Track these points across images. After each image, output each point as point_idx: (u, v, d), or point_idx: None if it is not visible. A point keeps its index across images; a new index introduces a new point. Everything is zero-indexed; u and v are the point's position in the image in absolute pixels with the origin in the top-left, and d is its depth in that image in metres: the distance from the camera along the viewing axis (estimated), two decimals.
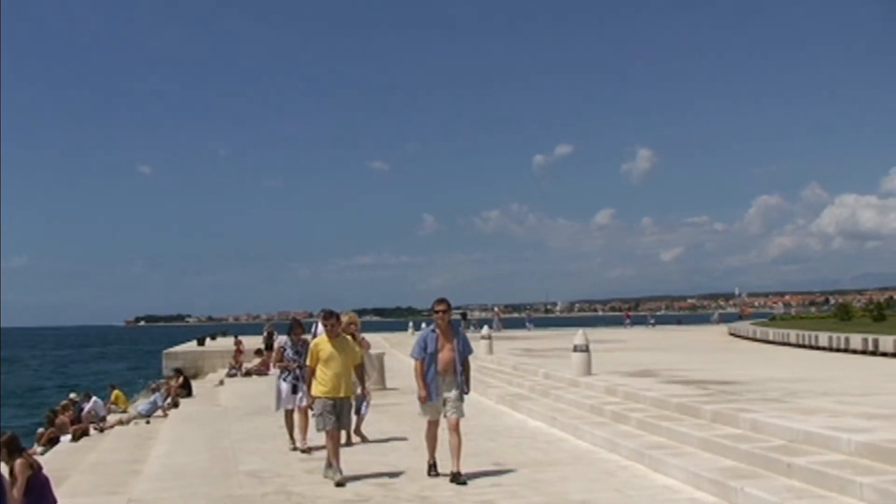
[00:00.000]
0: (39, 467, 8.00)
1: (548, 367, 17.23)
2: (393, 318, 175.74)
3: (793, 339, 25.16)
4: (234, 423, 14.14)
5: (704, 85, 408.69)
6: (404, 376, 17.59)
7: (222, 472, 9.62)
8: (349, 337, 9.69)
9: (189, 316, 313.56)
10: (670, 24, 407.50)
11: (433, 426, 8.73)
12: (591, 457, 9.83)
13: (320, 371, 8.85)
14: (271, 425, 12.67)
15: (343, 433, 9.68)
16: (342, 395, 8.85)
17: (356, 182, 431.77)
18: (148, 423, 17.49)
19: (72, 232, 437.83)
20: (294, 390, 11.14)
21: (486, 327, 27.58)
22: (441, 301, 8.67)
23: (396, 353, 30.26)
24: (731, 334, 35.65)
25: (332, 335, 8.98)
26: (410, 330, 44.13)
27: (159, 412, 18.63)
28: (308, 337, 11.61)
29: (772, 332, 28.28)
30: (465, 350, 8.72)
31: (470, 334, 10.09)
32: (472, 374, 10.22)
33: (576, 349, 15.31)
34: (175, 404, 19.12)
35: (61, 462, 12.93)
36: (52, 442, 17.97)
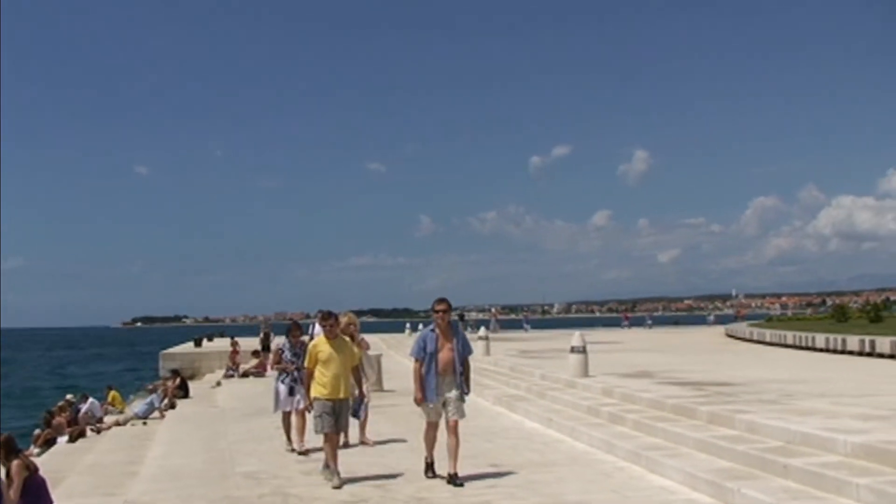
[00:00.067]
0: (36, 468, 8.00)
1: (545, 368, 17.24)
2: (390, 319, 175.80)
3: (789, 341, 25.20)
4: (231, 425, 14.13)
5: (701, 86, 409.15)
6: (402, 378, 17.59)
7: (219, 474, 9.61)
8: (348, 338, 9.69)
9: (186, 317, 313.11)
10: (667, 26, 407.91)
11: (433, 427, 8.70)
12: (588, 458, 9.84)
13: (319, 372, 8.82)
14: (268, 427, 12.66)
15: (341, 435, 9.66)
16: (341, 396, 8.82)
17: (353, 183, 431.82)
18: (145, 424, 17.48)
19: (69, 232, 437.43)
20: (291, 392, 11.13)
21: (483, 328, 27.60)
22: (441, 301, 8.66)
23: (393, 354, 30.27)
24: (728, 335, 35.70)
25: (331, 336, 8.96)
26: (407, 331, 44.13)
27: (156, 413, 18.62)
28: (306, 338, 11.61)
29: (768, 334, 28.32)
30: (464, 350, 8.71)
31: (467, 335, 10.09)
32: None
33: (573, 350, 15.32)
34: (172, 405, 19.11)
35: (58, 463, 12.92)
36: (49, 443, 17.95)
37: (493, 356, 21.93)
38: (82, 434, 18.08)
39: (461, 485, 8.33)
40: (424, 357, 8.55)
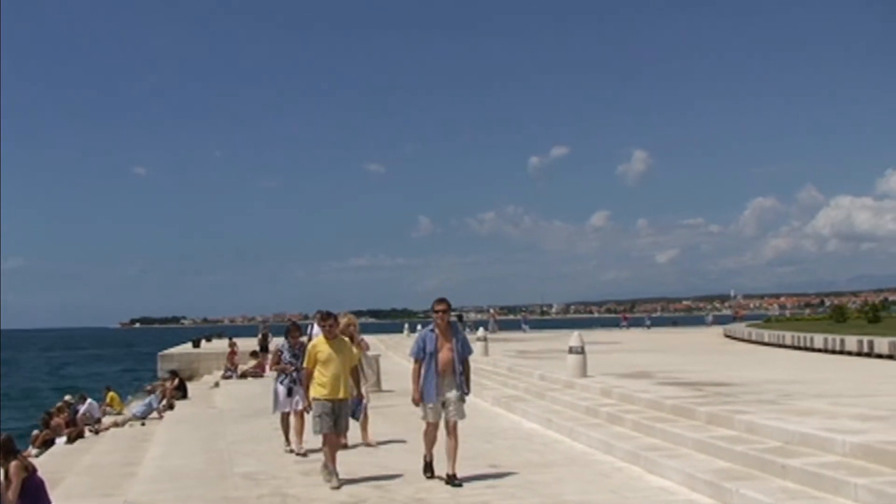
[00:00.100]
0: (34, 469, 8.00)
1: (543, 368, 17.24)
2: (388, 320, 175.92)
3: (788, 341, 25.20)
4: (230, 425, 14.12)
5: (700, 86, 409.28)
6: (400, 378, 17.58)
7: (218, 475, 9.60)
8: (347, 338, 9.68)
9: (184, 318, 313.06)
10: (666, 26, 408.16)
11: (433, 427, 8.69)
12: (587, 458, 9.84)
13: (318, 373, 8.81)
14: (267, 427, 12.66)
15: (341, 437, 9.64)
16: (340, 396, 8.80)
17: (352, 183, 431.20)
18: (143, 425, 17.49)
19: (67, 233, 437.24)
20: (290, 393, 11.12)
21: (481, 329, 27.60)
22: (441, 301, 8.64)
23: (392, 354, 30.29)
24: (727, 336, 35.70)
25: (330, 336, 8.95)
26: (406, 331, 44.13)
27: (154, 414, 18.63)
28: (305, 339, 11.61)
29: (767, 334, 28.32)
30: (464, 350, 8.70)
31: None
32: None
33: (571, 351, 15.32)
34: (170, 406, 19.10)
35: (56, 464, 12.93)
36: (48, 444, 17.96)
37: (491, 357, 21.93)
38: (81, 435, 18.08)
39: (460, 485, 8.33)
40: (424, 357, 8.54)
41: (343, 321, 10.41)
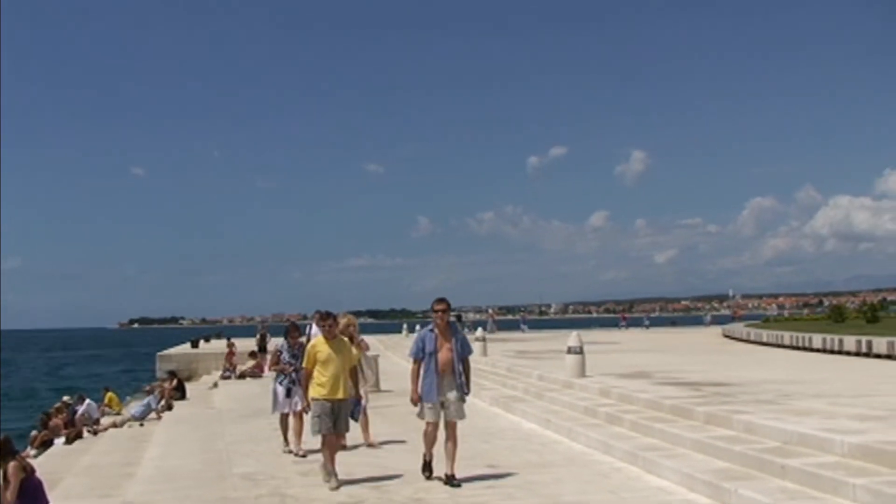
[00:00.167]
0: (33, 470, 8.00)
1: (542, 368, 17.25)
2: (387, 320, 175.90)
3: (786, 341, 25.23)
4: (228, 426, 14.12)
5: (699, 87, 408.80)
6: (399, 378, 17.59)
7: (216, 475, 9.60)
8: (346, 338, 9.68)
9: (183, 318, 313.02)
10: (665, 26, 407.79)
11: (432, 428, 8.68)
12: (586, 459, 9.85)
13: (318, 373, 8.80)
14: (265, 428, 12.66)
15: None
16: (340, 396, 8.79)
17: (351, 184, 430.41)
18: (142, 425, 17.48)
19: (66, 233, 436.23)
20: (289, 394, 11.12)
21: (480, 329, 27.59)
22: (440, 301, 8.64)
23: (391, 355, 30.31)
24: (725, 336, 35.73)
25: (330, 336, 8.95)
26: (405, 332, 44.14)
27: (153, 414, 18.62)
28: (304, 340, 11.61)
29: (765, 334, 28.35)
30: (463, 350, 8.70)
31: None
32: None
33: (570, 351, 15.33)
34: (169, 407, 19.09)
35: (55, 465, 12.92)
36: (46, 444, 17.94)
37: (490, 357, 21.93)
38: (79, 435, 18.07)
39: (459, 485, 8.33)
40: (423, 357, 8.54)
41: (343, 321, 10.40)
